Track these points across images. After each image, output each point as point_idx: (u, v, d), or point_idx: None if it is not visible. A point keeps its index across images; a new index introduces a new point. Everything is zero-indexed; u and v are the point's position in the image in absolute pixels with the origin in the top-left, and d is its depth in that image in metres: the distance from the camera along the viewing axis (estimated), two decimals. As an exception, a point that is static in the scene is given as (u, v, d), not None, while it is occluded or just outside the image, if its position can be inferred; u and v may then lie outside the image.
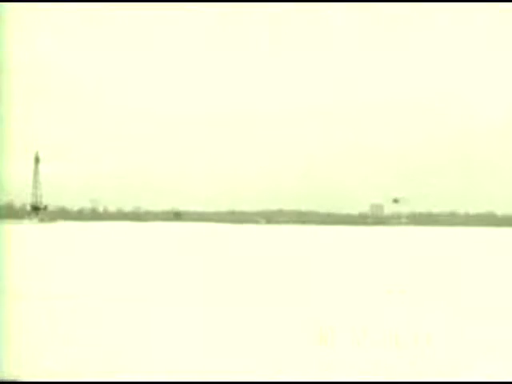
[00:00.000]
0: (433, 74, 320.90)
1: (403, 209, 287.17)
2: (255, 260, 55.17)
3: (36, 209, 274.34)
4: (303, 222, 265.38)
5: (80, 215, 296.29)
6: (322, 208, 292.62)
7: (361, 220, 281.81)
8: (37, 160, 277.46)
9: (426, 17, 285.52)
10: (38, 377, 15.21)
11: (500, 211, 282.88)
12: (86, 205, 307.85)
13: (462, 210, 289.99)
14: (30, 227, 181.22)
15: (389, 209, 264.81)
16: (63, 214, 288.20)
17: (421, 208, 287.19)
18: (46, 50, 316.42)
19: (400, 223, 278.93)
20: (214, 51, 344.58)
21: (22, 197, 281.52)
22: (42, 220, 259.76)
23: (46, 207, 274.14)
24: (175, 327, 22.20)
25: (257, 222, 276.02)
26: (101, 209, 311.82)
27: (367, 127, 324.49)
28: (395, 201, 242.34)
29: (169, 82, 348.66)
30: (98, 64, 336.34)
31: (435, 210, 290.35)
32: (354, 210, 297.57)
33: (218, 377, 15.64)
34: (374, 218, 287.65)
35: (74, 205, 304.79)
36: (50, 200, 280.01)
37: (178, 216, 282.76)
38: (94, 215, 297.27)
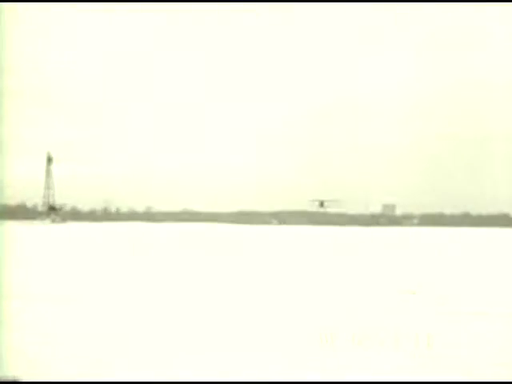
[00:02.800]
0: (442, 71, 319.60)
1: (415, 209, 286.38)
2: (267, 260, 55.03)
3: (48, 209, 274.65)
4: (315, 223, 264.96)
5: (92, 216, 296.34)
6: (335, 208, 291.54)
7: (373, 220, 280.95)
8: (49, 160, 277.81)
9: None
10: (38, 377, 15.14)
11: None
12: (98, 205, 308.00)
13: (474, 211, 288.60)
14: (41, 228, 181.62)
15: (318, 211, 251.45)
16: (75, 215, 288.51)
17: (433, 209, 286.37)
18: (54, 50, 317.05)
19: (412, 224, 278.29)
20: (218, 49, 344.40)
21: (34, 197, 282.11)
22: (53, 221, 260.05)
23: (60, 208, 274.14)
24: (178, 327, 22.10)
25: (269, 222, 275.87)
26: (113, 209, 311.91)
27: (379, 127, 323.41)
28: (321, 204, 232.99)
29: (177, 83, 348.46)
30: (110, 64, 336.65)
31: (447, 210, 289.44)
32: (366, 210, 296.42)
33: (220, 376, 15.53)
34: (385, 219, 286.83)
35: (85, 205, 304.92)
36: (62, 200, 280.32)
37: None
38: (106, 216, 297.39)
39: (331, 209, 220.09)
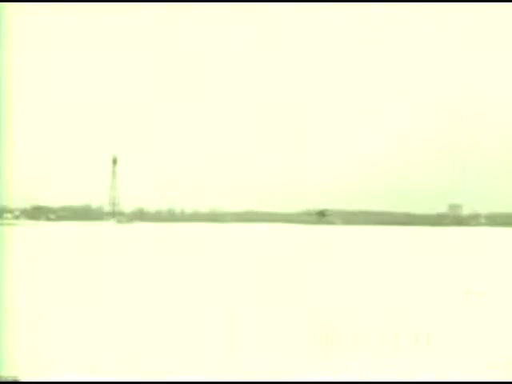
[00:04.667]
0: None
1: (482, 209, 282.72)
2: (330, 262, 54.54)
3: (113, 210, 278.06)
4: (379, 223, 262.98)
5: (157, 216, 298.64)
6: (399, 208, 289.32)
7: (439, 221, 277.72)
8: (114, 162, 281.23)
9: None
10: (38, 377, 15.07)
11: None
12: (164, 206, 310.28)
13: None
14: (107, 228, 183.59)
15: (318, 221, 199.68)
16: (141, 215, 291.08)
17: (500, 208, 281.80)
18: (113, 52, 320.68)
19: (479, 224, 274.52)
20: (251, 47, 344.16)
21: (100, 198, 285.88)
22: (119, 221, 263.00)
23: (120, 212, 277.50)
24: (182, 325, 21.82)
25: (332, 222, 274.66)
26: (177, 210, 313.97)
27: (445, 124, 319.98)
28: (322, 214, 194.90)
29: (237, 81, 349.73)
30: (171, 64, 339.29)
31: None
32: (432, 210, 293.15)
33: (221, 376, 15.26)
34: (452, 219, 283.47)
35: (151, 206, 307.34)
36: (128, 201, 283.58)
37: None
38: (171, 216, 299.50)
39: (334, 219, 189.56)
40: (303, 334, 20.65)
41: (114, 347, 18.58)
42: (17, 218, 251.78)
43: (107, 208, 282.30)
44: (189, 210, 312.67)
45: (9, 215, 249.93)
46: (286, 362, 17.11)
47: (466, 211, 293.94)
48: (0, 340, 19.22)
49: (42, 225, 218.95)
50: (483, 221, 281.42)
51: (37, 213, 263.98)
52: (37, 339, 19.49)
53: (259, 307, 26.59)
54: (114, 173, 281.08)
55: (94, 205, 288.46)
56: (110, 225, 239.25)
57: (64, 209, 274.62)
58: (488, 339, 20.43)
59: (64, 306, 26.07)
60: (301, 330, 21.36)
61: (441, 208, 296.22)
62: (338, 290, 32.92)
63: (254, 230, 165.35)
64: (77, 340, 19.53)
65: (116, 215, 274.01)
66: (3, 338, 19.43)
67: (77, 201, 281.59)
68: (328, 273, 43.14)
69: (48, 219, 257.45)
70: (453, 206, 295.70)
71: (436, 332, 21.32)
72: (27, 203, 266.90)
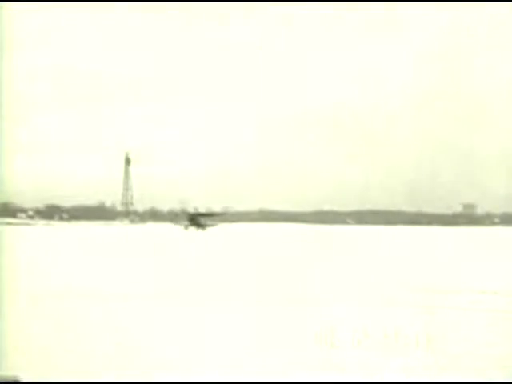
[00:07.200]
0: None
1: (496, 209, 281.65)
2: (343, 260, 54.34)
3: (127, 210, 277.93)
4: (392, 223, 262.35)
5: (170, 216, 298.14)
6: (413, 207, 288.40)
7: (453, 220, 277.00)
8: (127, 161, 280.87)
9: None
10: (38, 377, 15.00)
11: None
12: (176, 206, 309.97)
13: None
14: (121, 228, 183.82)
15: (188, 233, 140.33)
16: (154, 215, 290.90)
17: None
18: (128, 49, 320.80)
19: (493, 223, 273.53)
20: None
21: (112, 198, 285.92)
22: (132, 221, 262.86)
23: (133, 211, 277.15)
24: (185, 324, 21.73)
25: (346, 222, 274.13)
26: (190, 209, 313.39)
27: (459, 124, 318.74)
28: (192, 220, 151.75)
29: (258, 82, 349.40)
30: (186, 65, 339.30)
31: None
32: (447, 209, 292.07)
33: (221, 376, 15.11)
34: (466, 218, 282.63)
35: (164, 206, 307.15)
36: (141, 201, 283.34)
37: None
38: (184, 216, 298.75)
39: (210, 226, 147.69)
40: (303, 334, 20.44)
41: (118, 349, 18.43)
42: (30, 217, 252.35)
43: (120, 208, 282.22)
44: (201, 209, 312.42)
45: (23, 215, 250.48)
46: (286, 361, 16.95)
47: (479, 211, 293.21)
48: (0, 340, 19.14)
49: (55, 224, 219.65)
50: (497, 220, 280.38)
51: (50, 212, 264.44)
52: (42, 340, 19.40)
53: (259, 307, 26.47)
54: (127, 172, 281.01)
55: (108, 204, 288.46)
56: (123, 225, 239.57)
57: (77, 208, 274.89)
58: (504, 339, 20.20)
59: (75, 307, 26.00)
60: (301, 330, 21.16)
61: (455, 207, 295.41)
62: (348, 289, 32.74)
63: (266, 230, 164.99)
64: (85, 341, 19.43)
65: (129, 215, 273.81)
66: (3, 338, 19.34)
67: (90, 200, 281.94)
68: (338, 270, 43.01)
69: (62, 219, 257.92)
70: (467, 206, 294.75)
71: (449, 333, 21.10)
72: (41, 203, 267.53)
